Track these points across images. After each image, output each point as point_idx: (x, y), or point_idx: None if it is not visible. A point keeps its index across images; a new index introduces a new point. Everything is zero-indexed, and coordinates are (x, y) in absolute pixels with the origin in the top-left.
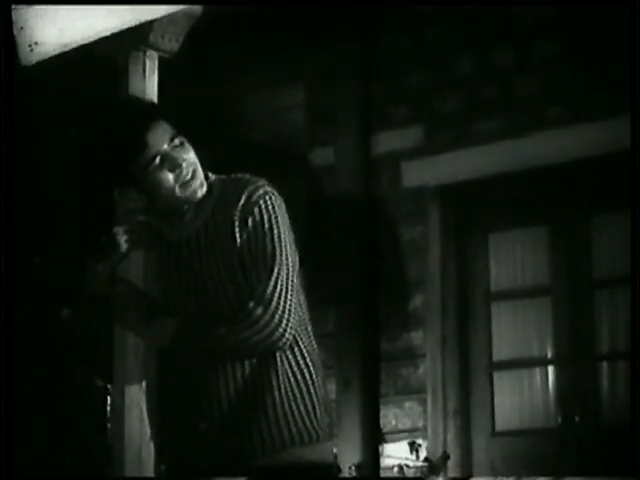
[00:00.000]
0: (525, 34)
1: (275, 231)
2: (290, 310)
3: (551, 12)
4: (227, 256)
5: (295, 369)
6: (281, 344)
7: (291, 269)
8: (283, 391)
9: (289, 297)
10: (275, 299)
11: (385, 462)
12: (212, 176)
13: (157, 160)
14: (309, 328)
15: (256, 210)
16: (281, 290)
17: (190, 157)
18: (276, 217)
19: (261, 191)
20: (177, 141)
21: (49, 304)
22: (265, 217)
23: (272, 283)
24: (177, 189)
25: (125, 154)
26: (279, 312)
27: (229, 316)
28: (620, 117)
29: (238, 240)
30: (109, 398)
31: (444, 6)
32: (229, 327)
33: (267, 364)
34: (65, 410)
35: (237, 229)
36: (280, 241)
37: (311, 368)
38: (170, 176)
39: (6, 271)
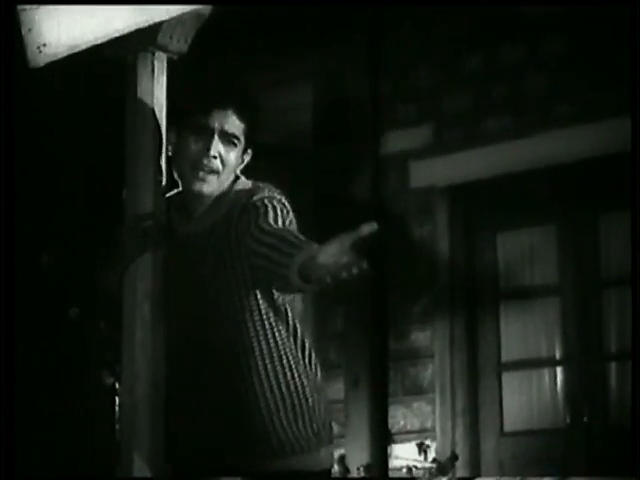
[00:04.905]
0: (534, 32)
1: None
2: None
3: (560, 10)
4: (221, 263)
5: (281, 380)
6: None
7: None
8: (263, 404)
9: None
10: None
11: (393, 463)
12: (242, 178)
13: (211, 132)
14: (306, 339)
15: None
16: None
17: (228, 157)
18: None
19: (267, 196)
20: (235, 137)
21: (57, 304)
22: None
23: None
24: (189, 170)
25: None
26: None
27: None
28: (630, 116)
29: (234, 250)
30: (117, 398)
31: (453, 6)
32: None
33: (250, 378)
34: (73, 410)
35: (234, 236)
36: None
37: (297, 380)
38: (195, 151)
39: (8, 271)
